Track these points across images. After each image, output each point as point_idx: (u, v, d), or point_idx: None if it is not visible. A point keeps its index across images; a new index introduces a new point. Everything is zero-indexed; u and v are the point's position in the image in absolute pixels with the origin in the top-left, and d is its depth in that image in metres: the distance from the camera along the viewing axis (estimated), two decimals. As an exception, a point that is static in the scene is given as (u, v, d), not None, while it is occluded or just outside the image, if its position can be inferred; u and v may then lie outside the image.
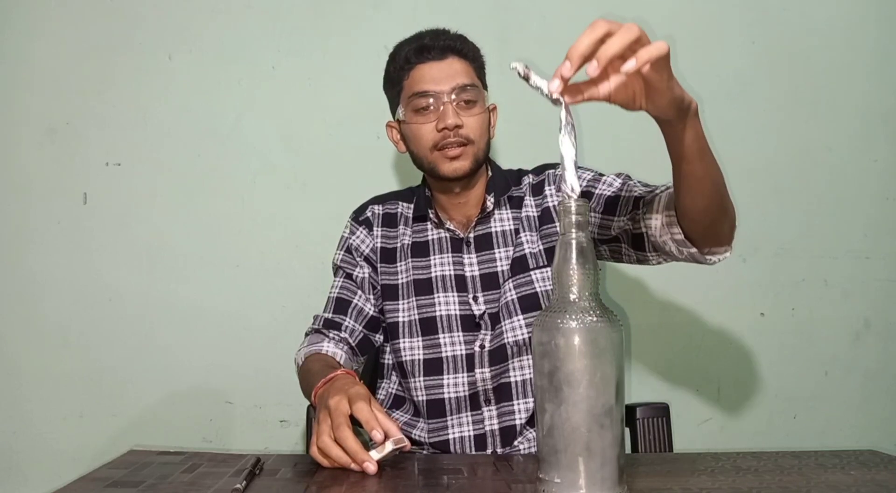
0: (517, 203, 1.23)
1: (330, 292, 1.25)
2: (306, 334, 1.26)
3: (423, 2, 1.75)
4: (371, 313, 1.23)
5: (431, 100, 1.14)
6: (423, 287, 1.19)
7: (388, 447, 0.86)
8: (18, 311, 1.69)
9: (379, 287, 1.23)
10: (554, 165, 1.26)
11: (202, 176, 1.72)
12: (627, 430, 1.19)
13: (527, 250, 1.19)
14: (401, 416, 1.21)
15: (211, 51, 1.72)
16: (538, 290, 1.17)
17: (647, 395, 1.75)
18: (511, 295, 1.17)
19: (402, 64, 1.18)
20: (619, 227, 1.10)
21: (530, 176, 1.27)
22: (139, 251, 1.70)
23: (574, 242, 0.70)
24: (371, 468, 0.85)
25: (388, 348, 1.24)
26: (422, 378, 1.17)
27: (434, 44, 1.15)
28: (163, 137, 1.71)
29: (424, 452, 1.18)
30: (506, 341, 1.15)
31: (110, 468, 0.86)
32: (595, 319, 0.68)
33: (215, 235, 1.71)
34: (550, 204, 1.21)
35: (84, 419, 1.69)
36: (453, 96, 1.13)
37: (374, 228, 1.26)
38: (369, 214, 1.28)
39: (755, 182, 1.83)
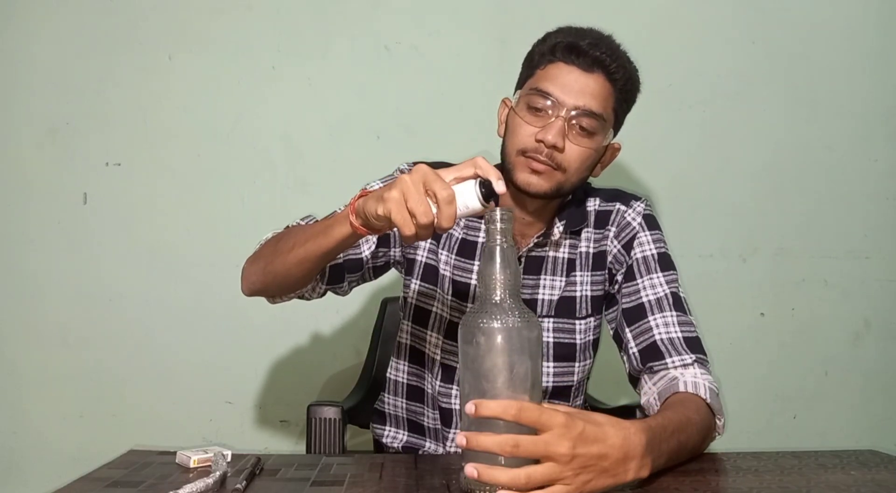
0: (580, 230, 1.13)
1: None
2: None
3: (424, 2, 1.75)
4: (363, 253, 1.09)
5: (549, 104, 0.99)
6: (461, 292, 1.11)
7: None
8: (18, 311, 1.69)
9: (398, 252, 1.12)
10: (627, 198, 1.14)
11: (202, 176, 1.72)
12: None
13: (578, 293, 1.11)
14: (417, 406, 1.17)
15: (211, 51, 1.72)
16: (577, 341, 1.11)
17: (647, 395, 1.75)
18: (547, 337, 1.10)
19: (546, 51, 1.03)
20: (621, 336, 1.07)
21: (597, 200, 1.15)
22: (139, 251, 1.70)
23: (498, 248, 0.76)
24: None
25: (406, 328, 1.17)
26: (436, 381, 1.13)
27: (589, 51, 1.00)
28: (163, 137, 1.71)
29: (428, 443, 1.16)
30: None
31: (110, 468, 0.86)
32: (515, 319, 0.74)
33: (215, 235, 1.71)
34: (607, 248, 1.12)
35: (84, 419, 1.69)
36: (572, 114, 0.98)
37: None
38: None
39: (755, 182, 1.83)
